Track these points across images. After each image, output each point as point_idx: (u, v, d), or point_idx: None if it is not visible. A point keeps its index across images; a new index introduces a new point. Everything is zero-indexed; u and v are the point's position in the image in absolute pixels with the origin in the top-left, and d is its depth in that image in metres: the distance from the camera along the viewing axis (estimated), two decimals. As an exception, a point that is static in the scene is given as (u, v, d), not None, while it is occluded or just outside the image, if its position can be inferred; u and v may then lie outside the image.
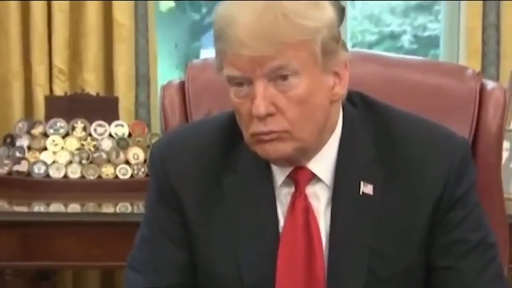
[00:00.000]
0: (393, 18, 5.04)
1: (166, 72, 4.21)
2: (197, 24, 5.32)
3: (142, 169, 3.54)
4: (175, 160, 1.91)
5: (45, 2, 3.67)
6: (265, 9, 1.71)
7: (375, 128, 1.88)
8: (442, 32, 4.38)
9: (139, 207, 3.26)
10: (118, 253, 3.03)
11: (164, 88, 2.46)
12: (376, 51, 3.69)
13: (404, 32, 4.99)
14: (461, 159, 1.86)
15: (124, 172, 3.55)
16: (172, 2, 4.81)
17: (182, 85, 2.38)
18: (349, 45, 4.38)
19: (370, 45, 4.93)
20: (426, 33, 4.83)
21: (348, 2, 4.22)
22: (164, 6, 4.67)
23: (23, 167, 3.50)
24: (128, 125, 3.61)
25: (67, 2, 3.67)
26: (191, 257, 1.89)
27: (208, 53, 4.71)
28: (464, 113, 2.26)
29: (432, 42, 4.73)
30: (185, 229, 1.89)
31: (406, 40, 5.00)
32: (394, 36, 5.05)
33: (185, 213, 1.88)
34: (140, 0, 3.77)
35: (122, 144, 3.57)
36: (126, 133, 3.59)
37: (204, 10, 5.52)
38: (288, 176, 1.85)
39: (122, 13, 3.71)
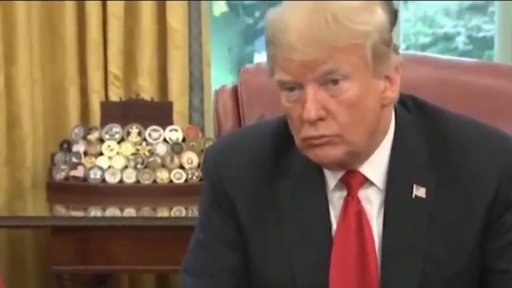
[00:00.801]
0: (447, 20, 5.00)
1: (219, 77, 4.22)
2: (250, 28, 5.31)
3: (196, 174, 3.55)
4: (228, 165, 1.91)
5: (100, 9, 3.68)
6: (315, 13, 1.71)
7: (427, 131, 1.87)
8: (496, 33, 4.34)
9: (194, 211, 3.26)
10: (173, 257, 3.03)
11: (217, 92, 2.48)
12: (429, 53, 3.67)
13: (458, 33, 4.95)
14: None
15: (178, 177, 3.56)
16: (225, 6, 4.81)
17: (235, 90, 2.39)
18: (402, 47, 4.39)
19: (424, 47, 4.89)
20: (481, 34, 4.78)
21: (401, 3, 4.19)
22: (218, 10, 4.68)
23: (79, 172, 3.52)
24: (182, 130, 3.62)
25: (122, 8, 3.69)
26: (244, 261, 1.89)
27: (261, 57, 4.70)
28: (516, 114, 2.26)
29: (487, 43, 4.69)
30: (239, 233, 1.89)
31: (460, 42, 4.96)
32: (448, 38, 5.01)
33: (238, 217, 1.88)
34: (193, 0, 3.77)
35: (176, 148, 3.58)
36: (180, 138, 3.60)
37: (257, 14, 5.51)
38: (341, 180, 1.85)
39: (176, 19, 3.72)
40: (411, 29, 4.94)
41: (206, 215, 1.95)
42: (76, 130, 3.61)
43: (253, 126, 2.14)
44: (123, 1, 3.70)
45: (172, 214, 3.39)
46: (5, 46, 3.63)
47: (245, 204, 1.88)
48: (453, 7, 4.94)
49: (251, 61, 4.49)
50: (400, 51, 1.89)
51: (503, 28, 4.21)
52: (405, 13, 4.70)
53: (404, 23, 4.65)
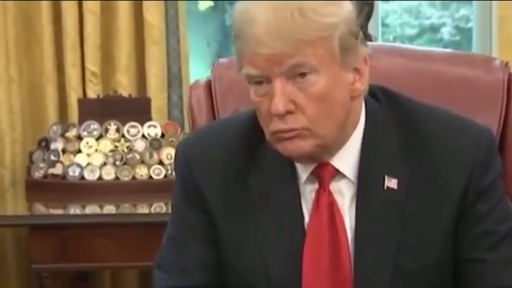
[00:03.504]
0: (433, 11, 5.01)
1: (201, 72, 4.22)
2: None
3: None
4: (199, 160, 1.91)
5: (76, 5, 3.68)
6: (282, 7, 1.71)
7: (398, 122, 1.87)
8: (474, 23, 4.35)
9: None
10: (155, 253, 3.05)
11: (191, 87, 2.47)
12: (402, 45, 3.67)
13: (444, 24, 4.97)
14: (486, 150, 1.85)
15: (158, 173, 3.56)
16: (210, 1, 4.81)
17: (209, 84, 2.39)
18: (387, 39, 4.39)
19: (411, 38, 4.91)
20: (469, 25, 4.80)
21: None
22: (203, 5, 4.68)
23: (58, 170, 3.52)
24: (161, 126, 3.63)
25: (98, 5, 3.69)
26: (217, 256, 1.89)
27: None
28: (492, 104, 2.26)
29: (476, 33, 4.72)
30: (212, 227, 1.89)
31: (446, 32, 4.97)
32: (434, 29, 5.02)
33: (211, 212, 1.88)
34: (170, 0, 3.77)
35: (155, 144, 3.59)
36: (159, 134, 3.61)
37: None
38: (312, 173, 1.85)
39: (153, 14, 3.73)
40: (396, 21, 4.95)
41: (178, 210, 1.95)
42: (54, 128, 3.61)
43: (224, 120, 2.13)
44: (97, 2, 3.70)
45: (152, 211, 3.40)
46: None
47: (217, 198, 1.88)
48: (439, -3, 4.96)
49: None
50: (378, 42, 1.90)
51: (481, 18, 4.22)
52: (391, 4, 4.70)
53: (390, 14, 4.65)
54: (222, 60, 2.49)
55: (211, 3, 4.82)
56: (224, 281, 1.90)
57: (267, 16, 1.71)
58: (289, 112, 1.73)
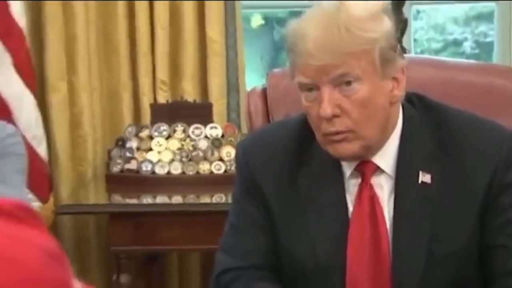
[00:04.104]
0: (456, 27, 4.99)
1: (255, 82, 4.21)
2: (283, 38, 5.30)
3: (234, 165, 3.52)
4: (256, 159, 1.91)
5: (148, 22, 3.69)
6: (330, 24, 1.71)
7: (431, 124, 1.87)
8: (495, 36, 4.30)
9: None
10: (215, 237, 3.04)
11: (249, 94, 2.47)
12: (433, 57, 3.65)
13: (466, 39, 4.94)
14: (508, 150, 1.84)
15: (218, 168, 3.55)
16: (261, 19, 4.80)
17: (264, 92, 2.38)
18: (416, 52, 4.36)
19: (436, 52, 4.88)
20: (488, 39, 4.76)
21: (415, 13, 4.16)
22: (255, 23, 4.67)
23: (133, 165, 3.53)
24: (221, 127, 3.62)
25: (168, 21, 3.69)
26: (272, 242, 1.88)
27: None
28: (513, 109, 2.24)
29: (492, 47, 4.67)
30: (268, 218, 1.88)
31: (467, 46, 4.94)
32: (457, 43, 5.00)
33: (268, 205, 1.88)
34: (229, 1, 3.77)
35: (216, 143, 3.58)
36: (220, 134, 3.60)
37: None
38: (355, 169, 1.84)
39: (214, 31, 3.72)
40: (424, 36, 4.92)
41: (238, 203, 1.95)
42: (129, 129, 3.62)
43: (277, 123, 2.13)
44: (168, 14, 3.69)
45: (214, 201, 3.39)
46: (68, 58, 3.64)
47: (272, 192, 1.88)
48: (461, 16, 4.92)
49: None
50: (412, 55, 1.89)
51: (502, 32, 4.17)
52: (419, 22, 4.68)
53: (418, 30, 4.63)
54: (275, 70, 2.50)
55: (262, 21, 4.81)
56: (279, 264, 1.89)
57: (317, 32, 1.71)
58: (335, 116, 1.73)
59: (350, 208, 1.85)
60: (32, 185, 3.03)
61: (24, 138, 3.10)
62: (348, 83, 1.72)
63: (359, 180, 1.85)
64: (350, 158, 1.81)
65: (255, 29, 4.86)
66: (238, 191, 1.95)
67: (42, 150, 3.41)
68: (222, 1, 3.73)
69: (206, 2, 3.70)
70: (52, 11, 3.60)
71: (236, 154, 1.99)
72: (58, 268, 0.67)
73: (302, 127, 1.87)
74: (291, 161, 1.88)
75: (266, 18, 5.08)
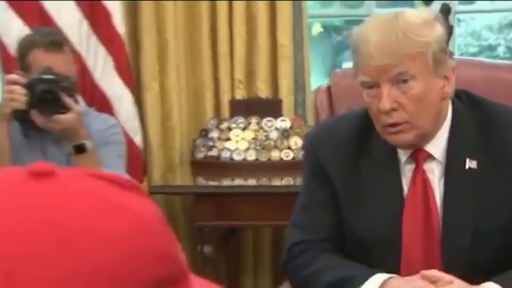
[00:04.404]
0: (490, 34, 4.93)
1: (318, 82, 4.20)
2: (339, 44, 5.30)
3: (301, 153, 3.53)
4: (322, 147, 1.90)
5: (228, 28, 3.69)
6: (389, 30, 1.70)
7: (477, 117, 1.85)
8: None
9: (299, 181, 3.26)
10: (284, 215, 3.04)
11: (315, 91, 2.46)
12: (478, 58, 3.59)
13: (499, 44, 4.88)
14: None
15: (287, 155, 3.54)
16: (320, 28, 4.78)
17: (328, 89, 2.38)
18: (456, 55, 4.30)
19: (473, 55, 4.83)
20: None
21: (455, 21, 4.10)
22: (315, 31, 4.67)
23: (214, 152, 3.54)
24: (290, 120, 3.61)
25: (244, 29, 3.69)
26: (337, 218, 1.87)
27: (347, 65, 4.72)
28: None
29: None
30: (333, 198, 1.88)
31: (500, 51, 4.88)
32: (491, 48, 4.94)
33: (332, 186, 1.87)
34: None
35: (285, 134, 3.57)
36: (288, 126, 3.59)
37: (345, 33, 5.49)
38: (410, 156, 1.83)
39: (284, 37, 3.70)
40: (462, 41, 4.87)
41: (307, 185, 1.94)
42: (211, 122, 3.62)
43: (341, 116, 2.12)
44: (245, 24, 3.69)
45: (283, 183, 3.37)
46: (160, 62, 3.66)
47: (336, 176, 1.87)
48: (495, 24, 4.85)
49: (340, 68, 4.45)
50: (458, 57, 1.87)
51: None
52: (458, 29, 4.63)
53: (458, 37, 4.58)
54: (337, 71, 2.50)
55: (321, 29, 4.80)
56: (341, 238, 1.88)
57: (378, 37, 1.69)
58: (393, 110, 1.72)
59: (405, 190, 1.83)
60: (130, 169, 3.06)
61: (123, 129, 3.13)
62: (405, 81, 1.71)
63: (413, 166, 1.83)
64: (406, 146, 1.79)
65: (315, 36, 4.85)
66: (307, 176, 1.95)
67: (138, 139, 3.44)
68: (291, 12, 3.71)
69: (278, 13, 3.68)
70: (147, 22, 3.62)
71: (305, 143, 2.00)
72: (166, 227, 0.67)
73: (362, 120, 1.86)
74: (353, 149, 1.87)
75: (324, 26, 5.06)
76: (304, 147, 2.03)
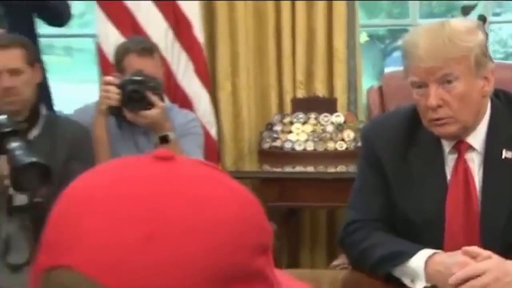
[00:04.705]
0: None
1: (368, 83, 4.16)
2: (382, 50, 5.26)
3: (353, 144, 3.50)
4: (376, 139, 1.87)
5: (291, 36, 3.68)
6: (436, 36, 1.67)
7: None
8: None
9: (351, 168, 3.24)
10: (338, 198, 3.03)
11: (368, 91, 2.44)
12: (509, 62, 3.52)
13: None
14: None
15: (341, 146, 3.52)
16: (366, 36, 4.75)
17: (380, 88, 2.35)
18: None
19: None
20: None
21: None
22: (362, 39, 4.64)
23: (278, 143, 3.53)
24: (343, 116, 3.58)
25: (305, 36, 3.67)
26: (388, 201, 1.85)
27: (389, 69, 4.70)
28: None
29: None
30: (384, 183, 1.85)
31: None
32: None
33: (384, 172, 1.85)
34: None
35: (339, 128, 3.54)
36: (342, 121, 3.56)
37: (387, 41, 5.43)
38: (453, 147, 1.80)
39: (340, 43, 3.68)
40: (491, 48, 4.80)
41: (362, 172, 1.92)
42: (276, 117, 3.62)
43: (391, 112, 2.10)
44: (305, 32, 3.66)
45: (337, 170, 3.35)
46: (232, 65, 3.67)
47: (388, 164, 1.84)
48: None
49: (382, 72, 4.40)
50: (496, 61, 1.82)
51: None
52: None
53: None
54: (387, 72, 2.45)
55: (367, 38, 4.77)
56: (391, 219, 1.86)
57: (426, 43, 1.67)
58: (439, 106, 1.70)
59: (448, 177, 1.80)
60: (206, 157, 3.07)
61: (201, 123, 3.15)
62: (450, 81, 1.68)
63: (456, 156, 1.80)
64: (450, 137, 1.76)
65: (362, 44, 4.81)
66: (362, 163, 1.92)
67: (213, 132, 3.46)
68: (345, 21, 3.67)
69: (334, 22, 3.65)
70: (222, 31, 3.63)
71: (362, 135, 1.97)
72: (259, 213, 0.66)
73: (411, 115, 1.83)
74: (403, 141, 1.84)
75: (370, 35, 5.01)
76: (360, 139, 1.99)
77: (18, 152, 2.05)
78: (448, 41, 1.65)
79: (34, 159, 2.03)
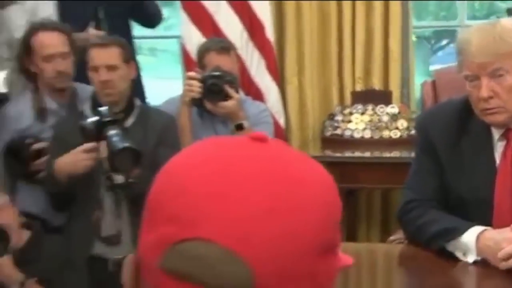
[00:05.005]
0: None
1: (419, 79, 4.07)
2: (429, 50, 5.14)
3: (406, 132, 3.44)
4: (430, 126, 1.82)
5: (351, 39, 3.62)
6: (488, 34, 1.61)
7: None
8: None
9: (405, 154, 3.19)
10: (392, 180, 2.98)
11: (423, 84, 2.38)
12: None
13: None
14: None
15: (395, 134, 3.46)
16: (414, 37, 4.64)
17: (433, 82, 2.29)
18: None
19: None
20: None
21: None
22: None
23: (339, 131, 3.50)
24: (398, 107, 3.51)
25: (363, 37, 3.61)
26: (441, 182, 1.80)
27: (435, 67, 4.61)
28: None
29: None
30: (439, 167, 1.80)
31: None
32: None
33: (438, 157, 1.80)
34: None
35: (394, 118, 3.48)
36: (396, 112, 3.50)
37: (433, 41, 5.31)
38: (502, 134, 1.73)
39: (395, 44, 3.60)
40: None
41: (418, 156, 1.87)
42: (337, 108, 3.58)
43: (444, 103, 2.03)
44: (364, 34, 3.60)
45: (391, 156, 3.29)
46: (298, 63, 3.64)
47: (442, 149, 1.79)
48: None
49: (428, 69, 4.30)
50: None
51: None
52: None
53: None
54: (440, 68, 2.39)
55: (415, 39, 4.66)
56: (445, 199, 1.81)
57: (479, 40, 1.61)
58: (490, 97, 1.63)
59: (497, 161, 1.74)
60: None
61: (271, 113, 3.14)
62: (500, 75, 1.62)
63: (504, 142, 1.73)
64: (499, 125, 1.70)
65: (414, 42, 4.70)
66: (418, 149, 1.88)
67: (281, 121, 3.44)
68: (399, 24, 3.60)
69: (390, 25, 3.58)
70: (290, 32, 3.60)
71: (416, 124, 1.92)
72: (337, 192, 0.66)
73: (463, 106, 1.77)
74: (455, 128, 1.78)
75: (418, 36, 4.90)
76: (415, 126, 1.94)
77: (115, 138, 2.09)
78: (499, 38, 1.59)
79: (127, 145, 2.07)
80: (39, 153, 2.47)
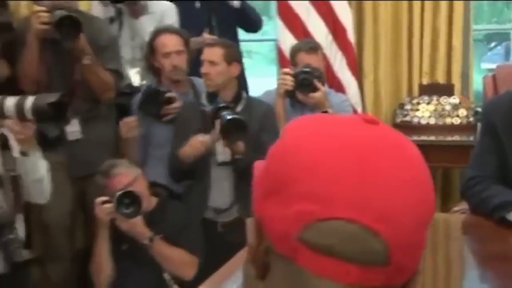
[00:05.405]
0: None
1: (477, 75, 3.92)
2: (483, 47, 4.91)
3: (465, 120, 3.34)
4: (494, 112, 1.77)
5: (419, 38, 3.53)
6: None
7: None
8: None
9: (464, 138, 3.10)
10: (453, 160, 2.89)
11: (484, 78, 2.30)
12: None
13: None
14: None
15: (456, 121, 3.36)
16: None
17: (493, 76, 2.21)
18: None
19: None
20: None
21: None
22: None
23: (408, 118, 3.44)
24: (459, 98, 3.41)
25: (430, 37, 3.50)
26: (502, 161, 1.74)
27: (484, 64, 4.43)
28: None
29: None
30: (499, 147, 1.74)
31: None
32: None
33: (499, 139, 1.74)
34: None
35: (455, 107, 3.39)
36: (458, 102, 3.39)
37: (484, 43, 5.06)
38: None
39: (457, 41, 3.48)
40: None
41: (481, 139, 1.82)
42: (407, 98, 3.52)
43: (506, 92, 1.95)
44: (430, 34, 3.50)
45: (453, 139, 3.20)
46: (374, 60, 3.59)
47: (503, 132, 1.74)
48: None
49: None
50: None
51: None
52: None
53: None
54: (501, 64, 2.28)
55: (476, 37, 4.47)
56: (505, 176, 1.75)
57: None
58: None
59: None
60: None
61: (351, 103, 3.12)
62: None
63: None
64: None
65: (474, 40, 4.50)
66: (481, 133, 1.82)
67: (359, 110, 3.40)
68: (461, 25, 3.47)
69: (453, 25, 3.46)
70: (368, 34, 3.56)
71: (482, 109, 1.87)
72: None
73: None
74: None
75: (473, 39, 4.69)
76: (481, 112, 1.89)
77: (225, 113, 2.20)
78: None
79: (235, 116, 2.17)
80: (170, 100, 2.57)
